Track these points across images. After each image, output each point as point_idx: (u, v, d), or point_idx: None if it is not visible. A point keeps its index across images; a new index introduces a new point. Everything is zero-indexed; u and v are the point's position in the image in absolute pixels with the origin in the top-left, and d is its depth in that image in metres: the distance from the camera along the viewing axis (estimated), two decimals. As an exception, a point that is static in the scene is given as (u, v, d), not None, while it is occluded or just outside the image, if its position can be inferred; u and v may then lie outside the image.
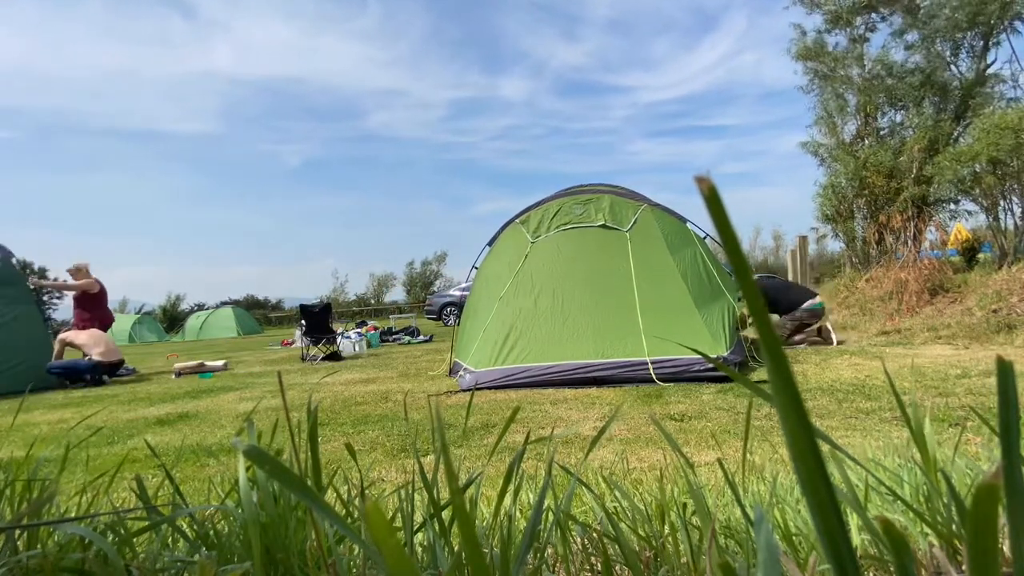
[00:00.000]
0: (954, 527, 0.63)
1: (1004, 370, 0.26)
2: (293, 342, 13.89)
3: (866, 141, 10.25)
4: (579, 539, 0.81)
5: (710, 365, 4.03)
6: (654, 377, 4.48)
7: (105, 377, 7.74)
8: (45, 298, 55.35)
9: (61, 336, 8.07)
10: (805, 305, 6.33)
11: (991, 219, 8.78)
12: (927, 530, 0.69)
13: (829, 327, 6.50)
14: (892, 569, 0.63)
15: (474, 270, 6.28)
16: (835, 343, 6.28)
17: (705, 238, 5.82)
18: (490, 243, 6.09)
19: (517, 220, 5.78)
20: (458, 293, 15.91)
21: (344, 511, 0.77)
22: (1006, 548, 0.52)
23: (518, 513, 1.02)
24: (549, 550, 0.76)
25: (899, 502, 0.75)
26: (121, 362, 8.11)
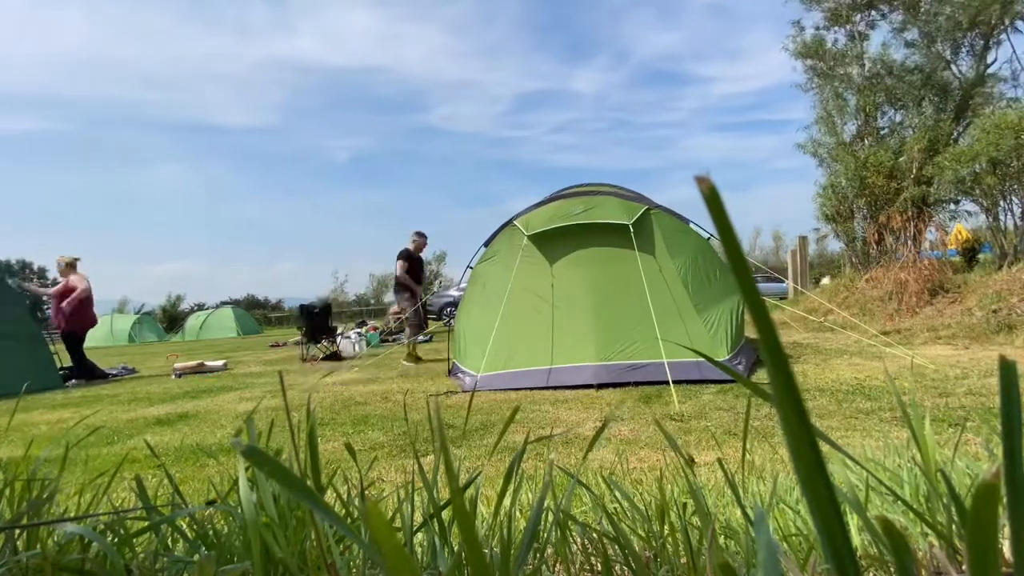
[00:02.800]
0: (954, 527, 0.63)
1: (1006, 370, 0.26)
2: (285, 343, 13.91)
3: (866, 141, 10.24)
4: (579, 539, 0.81)
5: (712, 366, 4.03)
6: (654, 378, 4.48)
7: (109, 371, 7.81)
8: (45, 298, 55.40)
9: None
10: None
11: (991, 219, 8.77)
12: (927, 530, 0.69)
13: None
14: (892, 569, 0.63)
15: (468, 270, 6.25)
16: None
17: (709, 239, 5.80)
18: (486, 243, 6.06)
19: (515, 221, 5.77)
20: (457, 293, 15.90)
21: (344, 511, 0.77)
22: (1006, 548, 0.52)
23: (518, 513, 1.02)
24: (549, 550, 0.76)
25: (899, 502, 0.75)
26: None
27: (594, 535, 0.77)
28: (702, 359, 4.44)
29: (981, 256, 9.53)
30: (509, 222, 5.86)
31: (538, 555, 0.69)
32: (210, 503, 0.75)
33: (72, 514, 0.88)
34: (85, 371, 7.88)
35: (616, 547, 0.72)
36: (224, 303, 38.01)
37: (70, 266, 7.97)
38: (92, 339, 26.71)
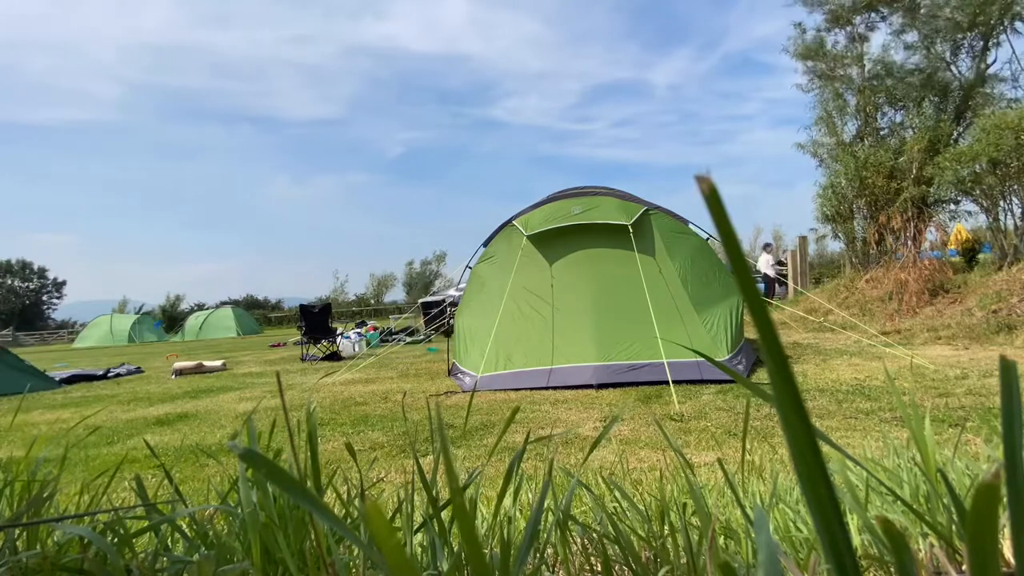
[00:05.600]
0: (954, 527, 0.63)
1: (1007, 370, 0.26)
2: (285, 343, 13.92)
3: (866, 141, 10.24)
4: (579, 539, 0.81)
5: (712, 366, 4.03)
6: (654, 378, 4.48)
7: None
8: (44, 298, 55.34)
9: None
10: None
11: (991, 219, 8.77)
12: (927, 530, 0.69)
13: None
14: (892, 569, 0.63)
15: (467, 270, 6.25)
16: None
17: (708, 239, 5.81)
18: (485, 243, 6.06)
19: (513, 221, 5.77)
20: (457, 293, 15.91)
21: (344, 511, 0.76)
22: (1006, 548, 0.52)
23: (518, 513, 1.02)
24: (549, 550, 0.76)
25: (899, 502, 0.75)
26: None
27: (594, 535, 0.77)
28: (702, 359, 4.44)
29: (981, 256, 9.53)
30: (508, 222, 5.86)
31: (538, 555, 0.69)
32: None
33: (72, 514, 0.88)
34: None
35: (616, 547, 0.72)
36: (224, 303, 38.00)
37: None
38: (92, 339, 26.40)
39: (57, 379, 7.62)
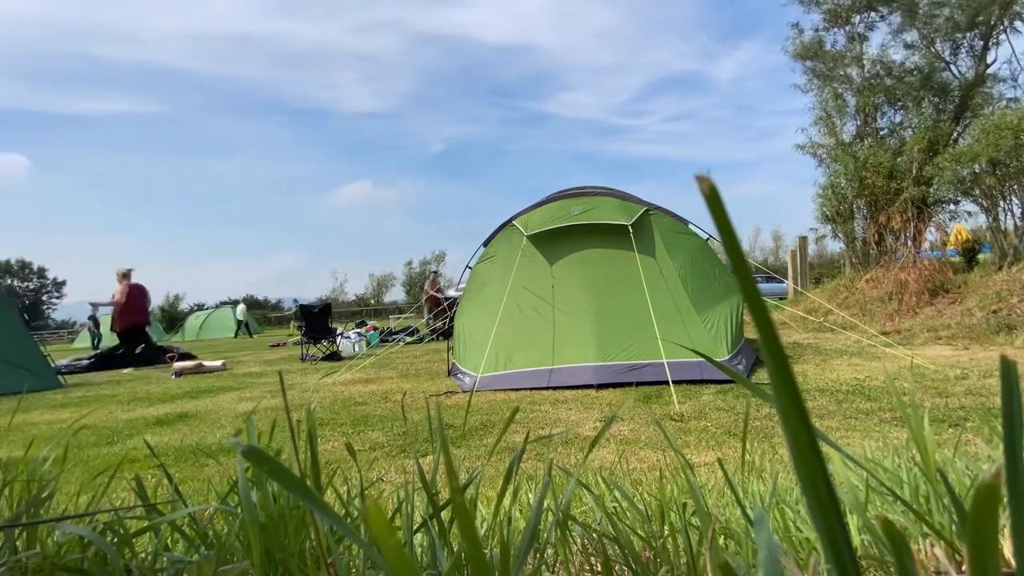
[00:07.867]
0: (954, 528, 0.63)
1: (1007, 370, 0.26)
2: (285, 343, 13.92)
3: (865, 141, 10.24)
4: (579, 539, 0.81)
5: (712, 367, 4.03)
6: (654, 378, 4.48)
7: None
8: (44, 298, 55.37)
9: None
10: None
11: (991, 219, 8.77)
12: (927, 530, 0.69)
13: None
14: (892, 569, 0.62)
15: (467, 270, 6.25)
16: None
17: (708, 239, 5.81)
18: (485, 243, 6.06)
19: (513, 221, 5.77)
20: (455, 293, 15.92)
21: (344, 511, 0.77)
22: (1006, 548, 0.52)
23: (518, 513, 1.02)
24: (549, 550, 0.76)
25: (899, 502, 0.75)
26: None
27: (594, 535, 0.77)
28: (702, 359, 4.44)
29: (981, 256, 9.53)
30: (508, 222, 5.86)
31: (538, 555, 0.69)
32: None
33: (72, 514, 0.88)
34: (139, 360, 9.48)
35: (616, 547, 0.72)
36: (224, 303, 37.99)
37: (124, 276, 9.75)
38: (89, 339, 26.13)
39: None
